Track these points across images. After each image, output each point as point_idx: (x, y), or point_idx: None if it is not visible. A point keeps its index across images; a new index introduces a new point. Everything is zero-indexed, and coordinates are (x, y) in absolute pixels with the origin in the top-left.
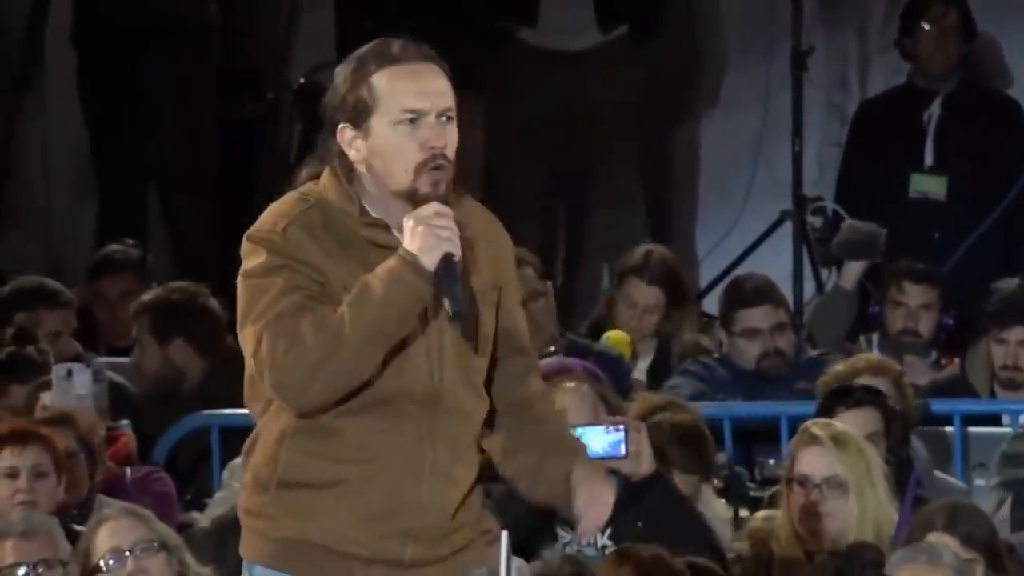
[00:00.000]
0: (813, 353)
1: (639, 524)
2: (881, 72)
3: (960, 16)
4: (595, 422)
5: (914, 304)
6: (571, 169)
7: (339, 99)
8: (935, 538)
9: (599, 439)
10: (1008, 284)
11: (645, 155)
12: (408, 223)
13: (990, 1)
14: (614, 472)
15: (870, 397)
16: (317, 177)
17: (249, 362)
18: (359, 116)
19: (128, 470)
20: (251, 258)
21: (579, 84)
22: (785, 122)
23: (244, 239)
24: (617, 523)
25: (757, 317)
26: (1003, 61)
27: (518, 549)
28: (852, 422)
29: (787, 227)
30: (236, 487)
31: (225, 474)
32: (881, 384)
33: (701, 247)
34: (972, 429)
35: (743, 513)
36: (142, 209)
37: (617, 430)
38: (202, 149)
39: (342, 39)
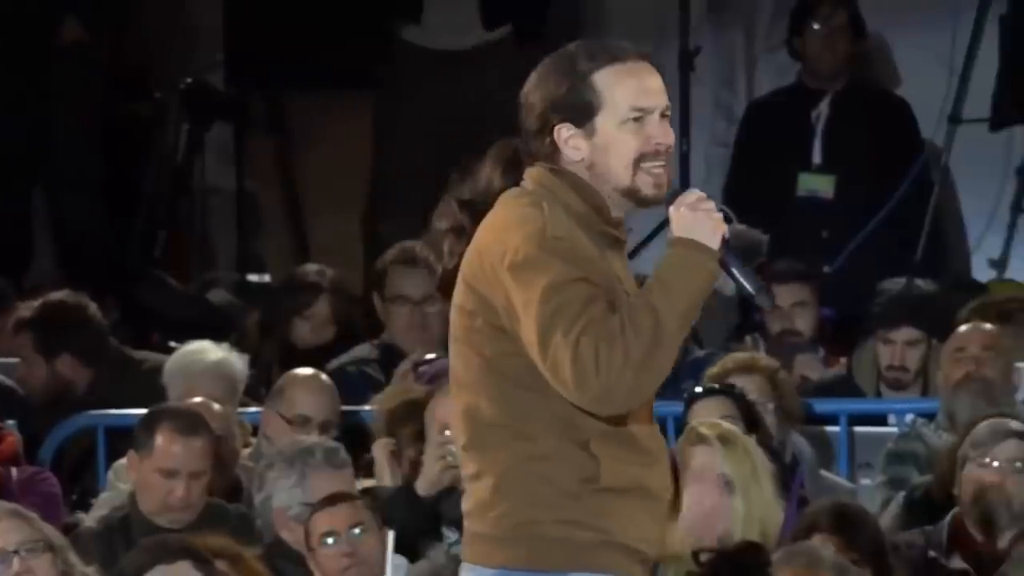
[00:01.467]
0: (700, 354)
1: None
2: (768, 72)
3: (849, 15)
4: None
5: (786, 304)
6: (456, 169)
7: (554, 99)
8: (819, 539)
9: None
10: (895, 284)
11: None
12: (680, 211)
13: (880, 1)
14: None
15: (719, 387)
16: (506, 173)
17: (547, 373)
18: (581, 115)
19: (14, 470)
20: (542, 270)
21: (464, 84)
22: (672, 122)
23: (525, 247)
24: None
25: None
26: (892, 61)
27: (404, 549)
28: (704, 412)
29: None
30: (121, 487)
31: (110, 474)
32: (755, 381)
33: None
34: (858, 429)
35: None
36: (26, 211)
37: None
38: (90, 149)
39: (230, 40)
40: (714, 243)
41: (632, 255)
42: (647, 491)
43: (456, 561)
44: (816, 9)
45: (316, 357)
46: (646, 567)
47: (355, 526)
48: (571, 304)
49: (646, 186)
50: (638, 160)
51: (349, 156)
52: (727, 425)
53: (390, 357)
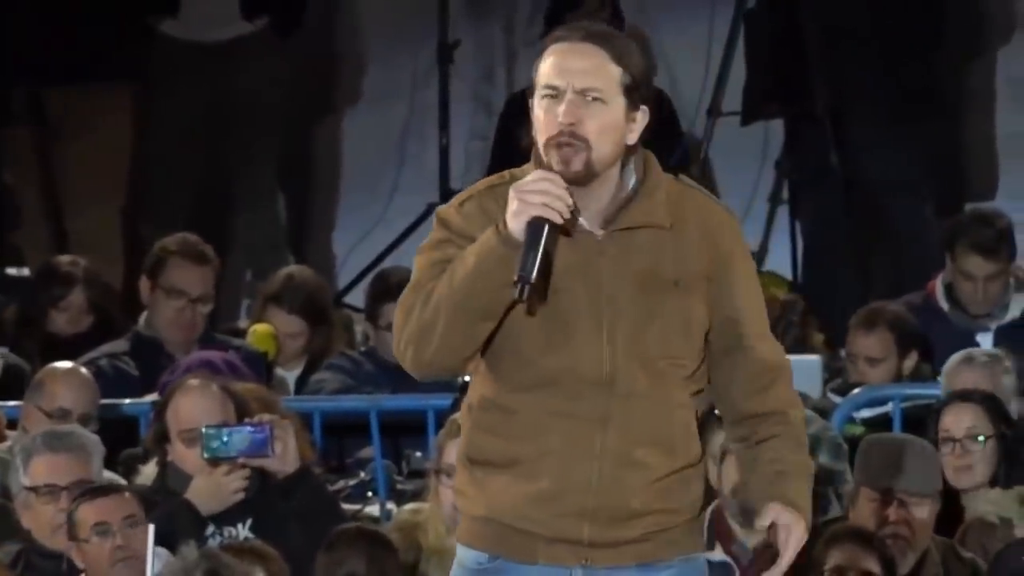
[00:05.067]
0: None
1: (285, 519)
2: (527, 66)
3: (608, 9)
4: (240, 422)
5: None
6: (216, 163)
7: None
8: None
9: (244, 439)
10: None
11: (285, 150)
12: (510, 191)
13: None
14: (260, 471)
15: None
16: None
17: None
18: (534, 90)
19: None
20: (432, 232)
21: (224, 77)
22: (432, 115)
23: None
24: (262, 517)
25: None
26: (651, 54)
27: (161, 544)
28: None
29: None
30: None
31: None
32: None
33: (347, 241)
34: None
35: (390, 506)
36: None
37: (262, 430)
38: None
39: None
40: (517, 226)
41: (388, 252)
42: (525, 469)
43: (208, 556)
44: (574, 2)
45: (75, 347)
46: (551, 547)
47: (127, 519)
48: (419, 270)
49: (555, 162)
50: (548, 142)
51: (109, 149)
52: None
53: (144, 349)
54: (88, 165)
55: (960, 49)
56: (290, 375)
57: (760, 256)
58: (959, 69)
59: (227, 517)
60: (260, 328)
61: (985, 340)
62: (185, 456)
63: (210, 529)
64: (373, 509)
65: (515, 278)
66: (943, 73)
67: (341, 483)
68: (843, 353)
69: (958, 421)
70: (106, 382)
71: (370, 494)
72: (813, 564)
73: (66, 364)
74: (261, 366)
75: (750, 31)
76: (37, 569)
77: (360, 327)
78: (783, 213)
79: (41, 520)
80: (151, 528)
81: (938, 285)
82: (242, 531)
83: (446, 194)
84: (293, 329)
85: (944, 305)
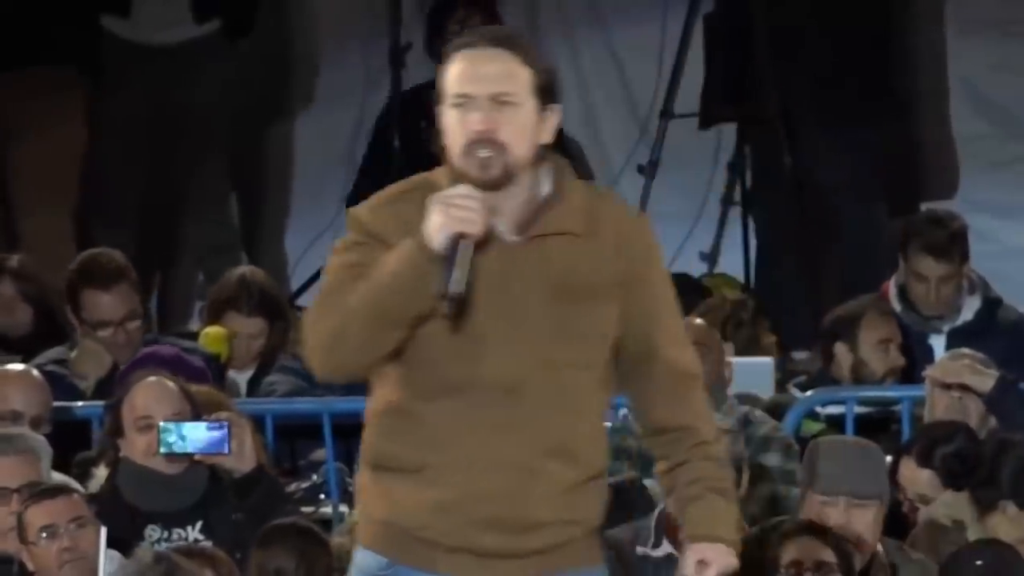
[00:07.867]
0: None
1: (238, 519)
2: None
3: (483, 20)
4: (197, 418)
5: None
6: (168, 166)
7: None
8: None
9: (201, 435)
10: None
11: (237, 153)
12: (431, 202)
13: (563, 14)
14: (212, 470)
15: None
16: None
17: None
18: (441, 100)
19: None
20: (345, 234)
21: (175, 79)
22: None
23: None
24: (214, 519)
25: None
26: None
27: (111, 546)
28: None
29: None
30: None
31: None
32: None
33: (299, 243)
34: None
35: (343, 508)
36: None
37: (220, 427)
38: None
39: None
40: (440, 239)
41: None
42: (429, 476)
43: (162, 559)
44: (452, 11)
45: (18, 351)
46: (453, 556)
47: (74, 520)
48: (331, 272)
49: (472, 168)
50: (464, 145)
51: (60, 150)
52: None
53: None
54: (39, 166)
55: (911, 49)
56: (242, 377)
57: (712, 257)
58: (911, 69)
59: (177, 519)
60: (212, 331)
61: (938, 342)
62: (135, 443)
63: (159, 532)
64: (325, 511)
65: (442, 293)
66: (895, 73)
67: (294, 486)
68: (795, 355)
69: (913, 481)
70: (53, 387)
71: (322, 496)
72: (771, 562)
73: (18, 366)
74: (213, 368)
75: (708, 33)
76: None
77: None
78: (735, 215)
79: None
80: (103, 530)
81: (892, 287)
82: (192, 532)
83: None
84: (254, 330)
85: (897, 307)
